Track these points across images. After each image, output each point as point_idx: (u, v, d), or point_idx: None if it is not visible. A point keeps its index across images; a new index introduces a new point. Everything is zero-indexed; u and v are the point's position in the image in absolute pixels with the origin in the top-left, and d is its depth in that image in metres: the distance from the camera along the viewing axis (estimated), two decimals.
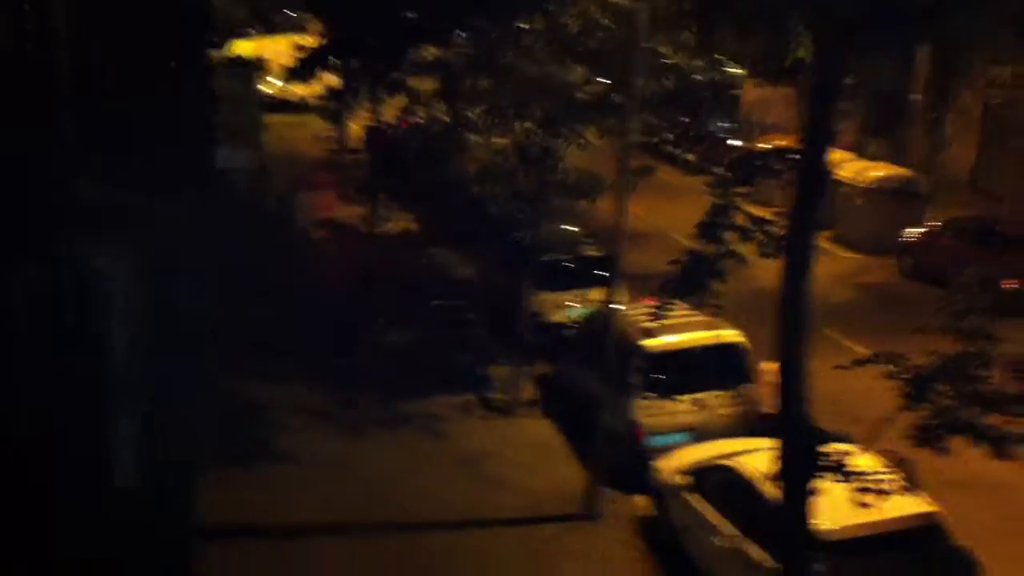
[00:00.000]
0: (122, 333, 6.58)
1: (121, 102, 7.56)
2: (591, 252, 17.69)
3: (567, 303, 17.12)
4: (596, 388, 12.18)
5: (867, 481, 6.74)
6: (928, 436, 6.65)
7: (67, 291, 6.25)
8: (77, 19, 7.32)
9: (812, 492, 6.87)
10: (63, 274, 6.19)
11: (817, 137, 6.77)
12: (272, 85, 36.02)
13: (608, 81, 14.19)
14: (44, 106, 6.89)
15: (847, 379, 8.66)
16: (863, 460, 7.04)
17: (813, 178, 6.80)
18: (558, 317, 16.91)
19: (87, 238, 6.23)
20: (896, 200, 22.48)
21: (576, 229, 18.98)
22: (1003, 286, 12.66)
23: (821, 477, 6.82)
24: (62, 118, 7.05)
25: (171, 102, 9.17)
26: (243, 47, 38.91)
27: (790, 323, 6.89)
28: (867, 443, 7.08)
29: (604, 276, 14.70)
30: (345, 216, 24.94)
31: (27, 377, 6.32)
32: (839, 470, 6.75)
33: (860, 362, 6.87)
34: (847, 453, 6.88)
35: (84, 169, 6.62)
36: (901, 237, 21.49)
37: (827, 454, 6.78)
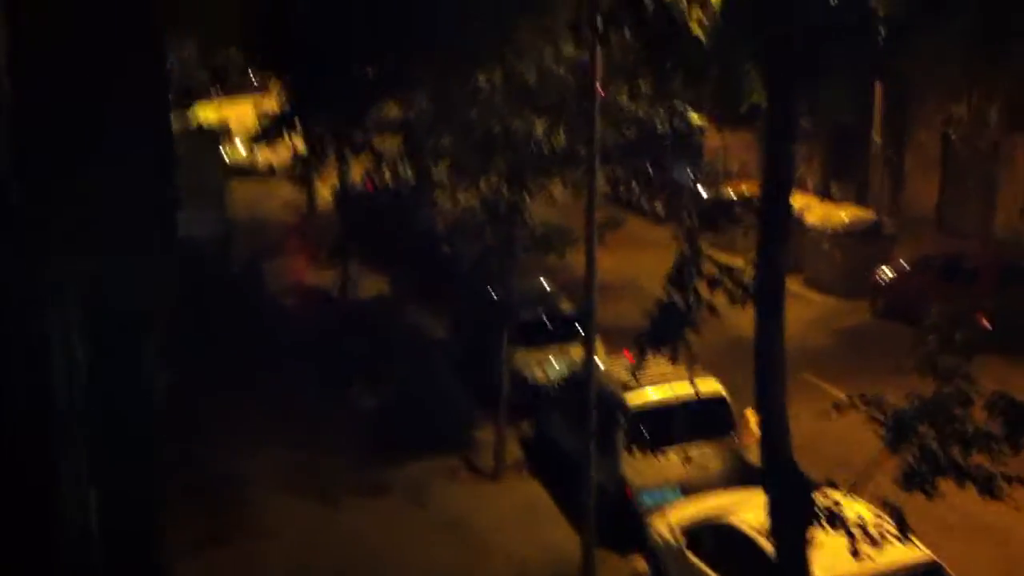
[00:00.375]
0: (70, 401, 6.34)
1: (73, 164, 7.38)
2: (566, 307, 17.56)
3: (546, 360, 16.93)
4: (581, 446, 11.95)
5: (860, 529, 6.57)
6: (915, 479, 6.51)
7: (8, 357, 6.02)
8: (24, 71, 7.18)
9: (808, 543, 6.68)
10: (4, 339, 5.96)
11: (777, 181, 6.71)
12: (237, 151, 36.01)
13: (569, 133, 14.19)
14: None
15: (828, 424, 8.52)
16: (853, 507, 6.87)
17: (776, 223, 6.73)
18: (538, 374, 16.72)
19: (33, 305, 6.02)
20: (864, 242, 22.59)
21: (549, 284, 18.88)
22: (980, 321, 12.66)
23: (814, 527, 6.64)
24: (6, 178, 6.88)
25: (128, 166, 8.99)
26: (206, 111, 38.92)
27: (766, 370, 6.77)
28: (854, 489, 6.92)
29: (581, 331, 14.57)
30: (317, 280, 24.76)
31: None
32: (832, 519, 6.58)
33: (839, 407, 6.73)
34: (837, 501, 6.72)
35: (32, 235, 6.42)
36: (872, 278, 21.55)
37: (818, 503, 6.62)
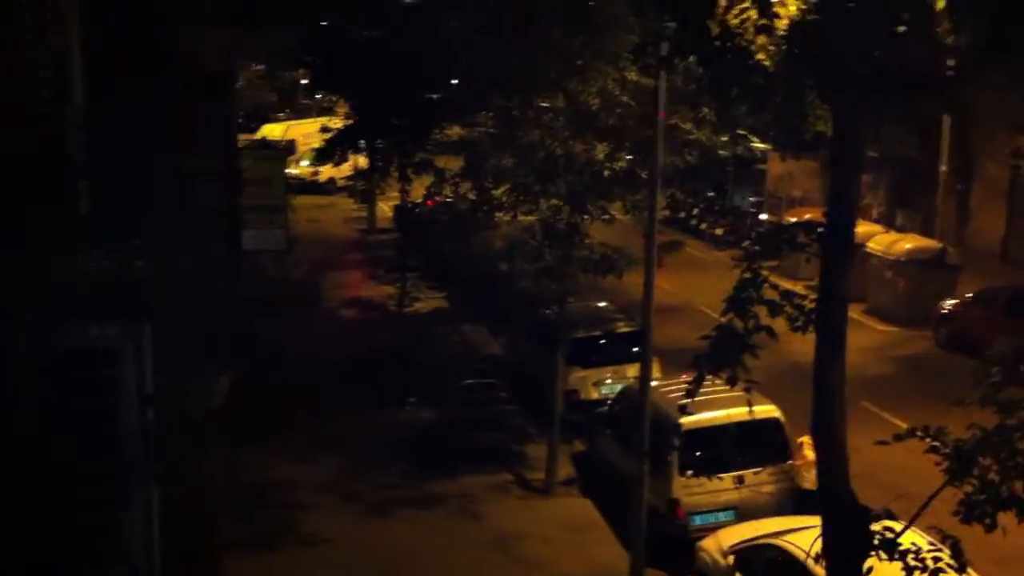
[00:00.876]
0: (134, 408, 6.53)
1: (140, 176, 7.63)
2: (624, 327, 17.59)
3: (603, 380, 16.98)
4: (634, 466, 11.96)
5: (917, 560, 6.51)
6: (974, 512, 6.43)
7: (72, 361, 6.23)
8: (98, 86, 7.45)
9: (864, 572, 6.64)
10: (68, 345, 6.18)
11: (841, 209, 6.71)
12: (302, 168, 36.64)
13: (632, 157, 14.27)
14: (56, 173, 6.97)
15: (885, 453, 8.43)
16: (909, 537, 6.81)
17: (840, 251, 6.72)
18: (594, 394, 16.76)
19: (98, 313, 6.23)
20: (927, 271, 22.27)
21: (607, 304, 18.92)
22: None
23: (870, 556, 6.59)
24: (77, 190, 7.13)
25: (197, 185, 9.27)
26: (272, 130, 39.71)
27: (826, 398, 6.74)
28: (911, 519, 6.85)
29: (637, 352, 14.58)
30: (375, 295, 25.07)
31: (26, 454, 6.25)
32: (889, 548, 6.53)
33: (900, 436, 6.67)
34: (893, 531, 6.66)
35: (99, 243, 6.65)
36: (934, 308, 21.23)
37: (875, 532, 6.57)
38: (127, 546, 6.97)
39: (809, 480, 12.76)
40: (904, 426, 6.66)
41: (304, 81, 48.54)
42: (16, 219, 6.22)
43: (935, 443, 6.57)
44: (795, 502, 12.78)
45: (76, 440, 6.27)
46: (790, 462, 13.16)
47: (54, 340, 6.03)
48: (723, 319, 6.79)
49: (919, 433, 6.60)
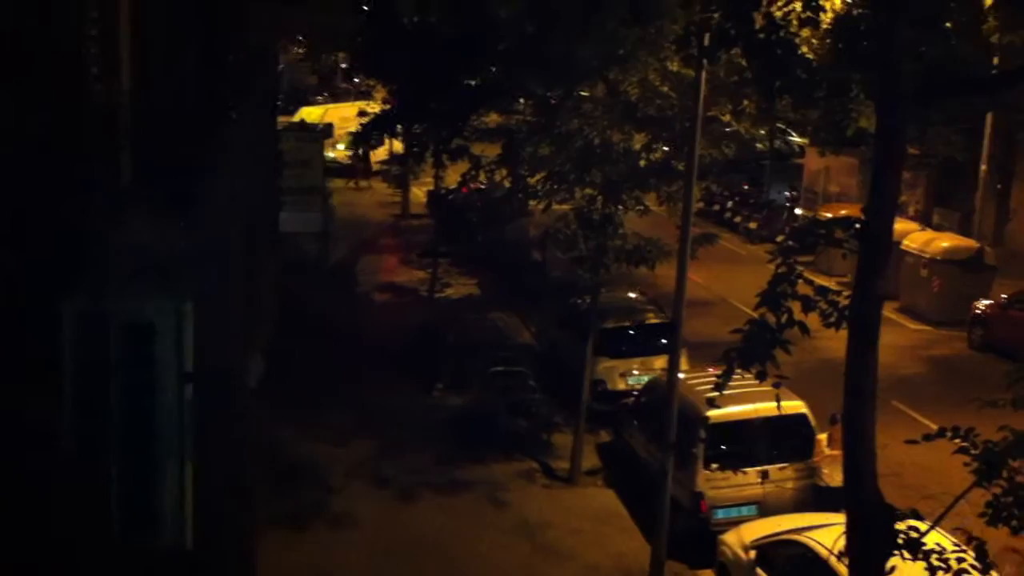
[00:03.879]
0: (173, 378, 6.61)
1: (185, 152, 7.71)
2: (654, 319, 17.58)
3: (630, 370, 16.99)
4: (660, 458, 12.00)
5: (940, 561, 6.50)
6: (1002, 514, 6.41)
7: (112, 336, 6.31)
8: (143, 68, 7.54)
9: (887, 572, 6.64)
10: (109, 319, 6.26)
11: (881, 206, 6.67)
12: (340, 152, 36.80)
13: (668, 148, 14.24)
14: (103, 149, 7.06)
15: (913, 453, 8.43)
16: (934, 538, 6.79)
17: (877, 248, 6.69)
18: (621, 384, 16.79)
19: (142, 284, 6.32)
20: (964, 271, 22.04)
21: (637, 295, 18.91)
22: None
23: (894, 555, 6.59)
24: (121, 161, 7.22)
25: (238, 166, 9.36)
26: (311, 113, 39.90)
27: (857, 395, 6.73)
28: (936, 520, 6.83)
29: (666, 344, 14.59)
30: (407, 280, 25.20)
31: (72, 414, 6.35)
32: (913, 548, 6.52)
33: (929, 437, 6.65)
34: (918, 530, 6.66)
35: (139, 213, 6.74)
36: (970, 309, 21.02)
37: (899, 531, 6.56)
38: (161, 521, 7.09)
39: (830, 476, 12.75)
40: (934, 426, 6.64)
41: (343, 65, 48.73)
42: (60, 193, 6.33)
43: (964, 444, 6.55)
44: (816, 498, 12.76)
45: (113, 415, 6.38)
46: (813, 459, 13.14)
47: (95, 314, 6.12)
48: (755, 314, 6.79)
49: (948, 434, 6.58)
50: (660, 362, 15.74)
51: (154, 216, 6.85)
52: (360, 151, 22.81)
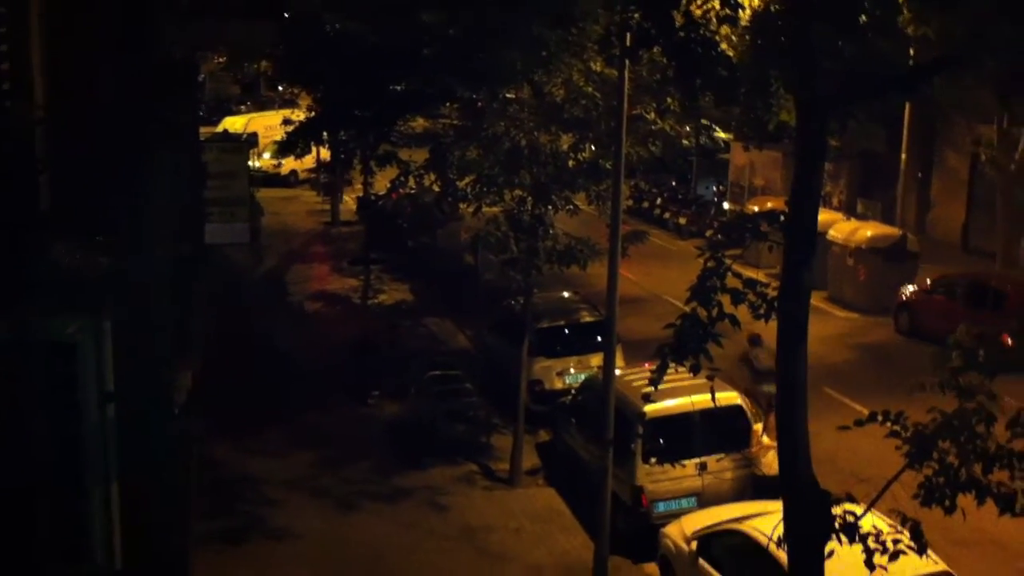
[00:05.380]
0: (95, 400, 6.46)
1: (103, 171, 7.53)
2: (588, 317, 17.67)
3: (567, 369, 17.05)
4: (598, 455, 12.04)
5: (877, 543, 6.61)
6: (934, 495, 6.54)
7: (35, 357, 6.15)
8: (58, 83, 7.34)
9: (824, 555, 6.73)
10: (30, 340, 6.09)
11: (804, 199, 6.78)
12: (265, 161, 36.36)
13: (595, 148, 14.30)
14: (19, 170, 6.86)
15: (847, 438, 8.58)
16: (870, 521, 6.91)
17: (802, 239, 6.80)
18: (559, 384, 16.83)
19: (61, 304, 6.16)
20: (888, 259, 22.54)
21: (571, 294, 18.99)
22: (1004, 340, 12.64)
23: (831, 539, 6.69)
24: (38, 183, 7.03)
25: (159, 178, 9.16)
26: (234, 123, 39.34)
27: (788, 384, 6.82)
28: (871, 503, 6.96)
29: (601, 342, 14.65)
30: (339, 288, 24.96)
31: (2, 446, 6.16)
32: (850, 531, 6.62)
33: (861, 422, 6.76)
34: (854, 514, 6.77)
35: (60, 239, 6.57)
36: (895, 296, 21.51)
37: (836, 516, 6.66)
38: (88, 544, 6.90)
39: (766, 465, 12.93)
40: (865, 412, 6.76)
41: (268, 73, 48.14)
42: None
43: (895, 427, 6.67)
44: (755, 487, 12.92)
45: (37, 436, 6.20)
46: (750, 448, 13.31)
47: (15, 335, 5.95)
48: (687, 308, 6.84)
49: (880, 418, 6.69)
50: (596, 360, 15.81)
51: (74, 237, 6.67)
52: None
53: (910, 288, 21.41)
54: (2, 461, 5.98)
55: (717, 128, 34.62)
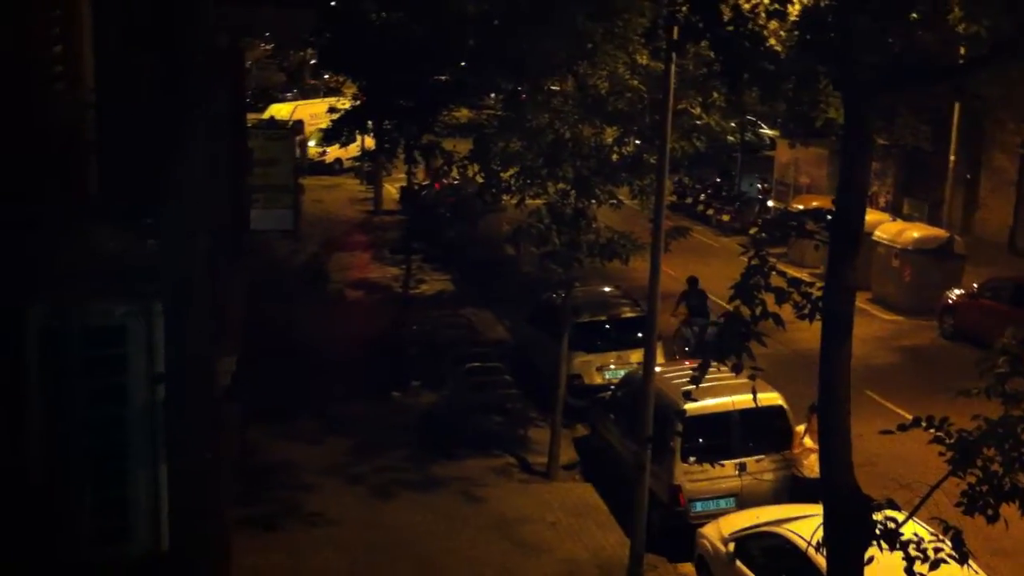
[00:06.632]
0: (144, 383, 6.52)
1: (150, 156, 7.62)
2: (628, 313, 17.58)
3: (606, 365, 16.99)
4: (636, 452, 11.99)
5: (918, 551, 6.51)
6: (977, 503, 6.43)
7: (80, 340, 6.22)
8: (108, 67, 7.41)
9: (864, 562, 6.65)
10: (76, 323, 6.16)
11: (851, 198, 6.69)
12: (310, 148, 36.57)
13: (640, 141, 14.22)
14: (67, 153, 6.95)
15: (889, 443, 8.46)
16: (911, 528, 6.81)
17: (848, 239, 6.71)
18: (597, 379, 16.78)
19: (109, 288, 6.23)
20: (934, 261, 22.20)
21: (612, 289, 18.90)
22: None
23: (872, 546, 6.60)
24: (86, 165, 7.11)
25: (206, 164, 9.23)
26: (280, 110, 39.62)
27: (831, 386, 6.74)
28: (913, 510, 6.85)
29: (641, 337, 14.58)
30: (380, 276, 25.07)
31: (40, 425, 6.24)
32: (890, 539, 6.53)
33: (904, 427, 6.66)
34: (895, 520, 6.67)
35: (108, 219, 6.65)
36: (940, 298, 21.18)
37: (876, 522, 6.57)
38: (133, 525, 6.98)
39: (807, 468, 12.79)
40: (908, 416, 6.66)
41: (312, 61, 48.40)
42: (30, 198, 6.22)
43: (939, 433, 6.56)
44: (794, 490, 12.80)
45: (86, 419, 6.29)
46: (791, 450, 13.18)
47: (66, 318, 6.03)
48: (729, 306, 6.78)
49: (923, 423, 6.59)
50: (636, 356, 15.74)
51: (122, 221, 6.75)
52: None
53: (956, 291, 21.07)
54: (48, 442, 6.07)
55: (762, 124, 34.25)
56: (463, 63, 17.16)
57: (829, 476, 6.80)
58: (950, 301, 20.98)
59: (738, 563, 11.01)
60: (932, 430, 6.57)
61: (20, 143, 6.15)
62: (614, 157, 14.13)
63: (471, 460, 15.31)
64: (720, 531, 11.62)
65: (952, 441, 6.54)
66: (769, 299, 6.66)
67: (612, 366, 16.94)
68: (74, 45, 7.18)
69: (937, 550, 6.51)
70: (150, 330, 6.81)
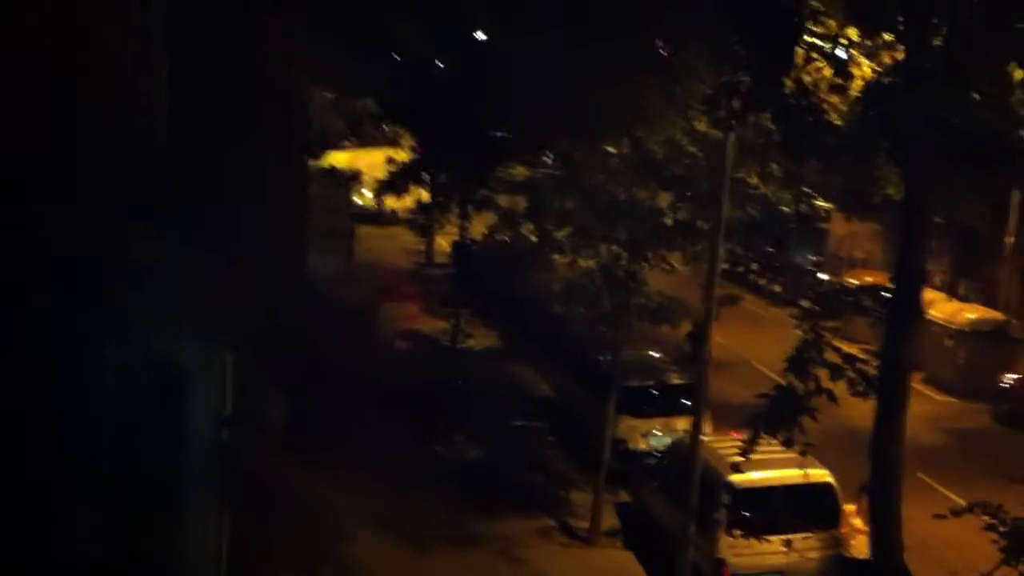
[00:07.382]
0: (210, 428, 6.59)
1: (217, 193, 7.78)
2: (676, 379, 17.44)
3: (651, 431, 16.81)
4: (680, 522, 11.80)
5: None
6: None
7: (155, 381, 6.31)
8: (182, 102, 7.60)
9: None
10: (153, 364, 6.26)
11: (908, 275, 6.64)
12: (365, 197, 37.02)
13: (694, 207, 14.23)
14: (140, 194, 7.10)
15: (940, 527, 8.24)
16: None
17: (905, 317, 6.65)
18: (642, 444, 16.60)
19: (178, 328, 6.33)
20: (990, 344, 21.81)
21: (660, 355, 18.78)
22: None
23: None
24: (161, 202, 7.27)
25: (267, 205, 9.42)
26: (339, 158, 40.18)
27: (883, 467, 6.63)
28: None
29: (689, 405, 14.45)
30: (429, 329, 25.15)
31: (101, 465, 6.31)
32: None
33: (958, 512, 6.53)
34: None
35: (183, 261, 6.78)
36: (995, 382, 20.75)
37: None
38: (195, 562, 7.00)
39: (855, 548, 12.49)
40: (959, 500, 6.56)
41: (372, 112, 49.06)
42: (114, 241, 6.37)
43: (993, 520, 6.42)
44: (841, 570, 12.50)
45: (152, 457, 6.35)
46: (839, 529, 12.90)
47: (138, 357, 6.14)
48: (778, 376, 6.73)
49: (977, 509, 6.45)
50: (682, 423, 15.57)
51: (194, 263, 6.87)
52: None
53: (1011, 375, 20.64)
54: (116, 481, 6.14)
55: (817, 196, 33.96)
56: (522, 121, 17.33)
57: (880, 557, 6.67)
58: (1005, 385, 20.54)
59: None
60: (986, 516, 6.43)
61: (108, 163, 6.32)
62: (668, 221, 14.13)
63: (512, 518, 15.15)
64: None
65: (1007, 529, 6.39)
66: (823, 374, 6.61)
67: (657, 432, 16.76)
68: (148, 67, 7.37)
69: None
70: (222, 373, 6.89)
